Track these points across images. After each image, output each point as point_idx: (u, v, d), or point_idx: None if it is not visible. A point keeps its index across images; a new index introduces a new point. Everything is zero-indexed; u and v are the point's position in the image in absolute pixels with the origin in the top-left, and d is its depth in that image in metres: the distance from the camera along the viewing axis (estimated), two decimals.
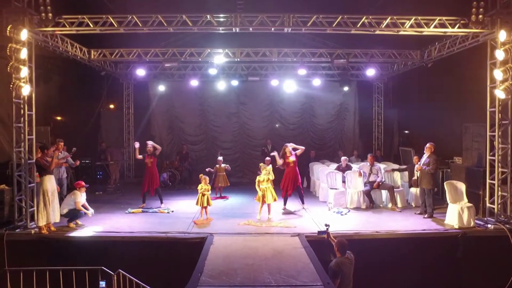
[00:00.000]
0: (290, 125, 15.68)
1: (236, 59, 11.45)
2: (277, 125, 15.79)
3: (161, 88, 14.10)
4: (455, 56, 10.33)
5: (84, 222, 8.60)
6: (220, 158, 11.79)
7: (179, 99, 15.22)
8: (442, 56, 10.70)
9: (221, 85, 13.74)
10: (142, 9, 8.42)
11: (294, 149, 9.65)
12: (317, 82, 13.76)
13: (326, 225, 6.07)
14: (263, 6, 12.37)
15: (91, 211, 8.63)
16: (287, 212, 9.56)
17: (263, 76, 13.86)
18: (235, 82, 13.82)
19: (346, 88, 14.55)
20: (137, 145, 10.18)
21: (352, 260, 5.60)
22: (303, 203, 9.98)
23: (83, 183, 8.66)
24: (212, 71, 12.49)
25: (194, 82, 13.57)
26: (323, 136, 15.74)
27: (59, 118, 15.32)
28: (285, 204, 9.83)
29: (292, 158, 9.59)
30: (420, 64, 11.97)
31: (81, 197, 8.46)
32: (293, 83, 13.53)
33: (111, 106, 16.80)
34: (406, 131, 16.57)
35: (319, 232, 6.21)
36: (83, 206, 8.48)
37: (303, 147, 9.83)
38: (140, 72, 11.89)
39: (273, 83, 13.75)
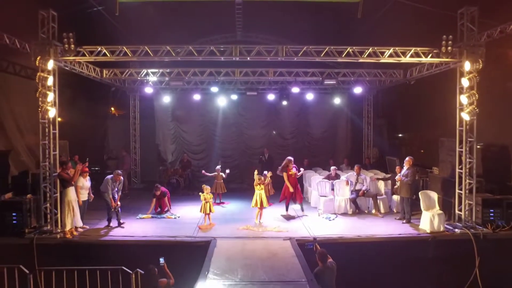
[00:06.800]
0: (286, 134, 16.81)
1: (235, 78, 12.58)
2: (274, 132, 16.92)
3: (166, 100, 15.19)
4: (435, 74, 11.42)
5: (100, 225, 9.79)
6: (218, 167, 12.87)
7: (182, 111, 16.32)
8: (423, 75, 11.84)
9: (221, 99, 14.87)
10: (152, 40, 9.52)
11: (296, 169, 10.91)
12: (310, 96, 14.92)
13: (314, 238, 7.14)
14: (260, 25, 13.70)
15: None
16: (287, 217, 10.72)
17: (260, 90, 14.99)
18: (234, 97, 14.94)
19: (338, 101, 15.69)
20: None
21: (334, 269, 6.44)
22: (287, 210, 11.06)
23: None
24: (214, 89, 13.62)
25: (196, 96, 14.67)
26: (317, 145, 16.83)
27: (68, 127, 16.40)
28: (287, 210, 11.01)
29: (294, 170, 10.80)
30: (403, 81, 13.11)
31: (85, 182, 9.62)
32: (288, 97, 14.63)
33: (118, 115, 17.89)
34: (400, 135, 17.73)
35: (307, 245, 7.21)
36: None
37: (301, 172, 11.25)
38: (148, 90, 13.02)
39: (269, 97, 14.88)
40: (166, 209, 11.35)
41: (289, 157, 10.98)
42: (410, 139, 17.21)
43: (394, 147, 17.41)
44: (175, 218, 10.81)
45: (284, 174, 10.67)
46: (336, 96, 15.51)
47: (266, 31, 14.65)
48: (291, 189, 10.60)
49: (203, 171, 12.94)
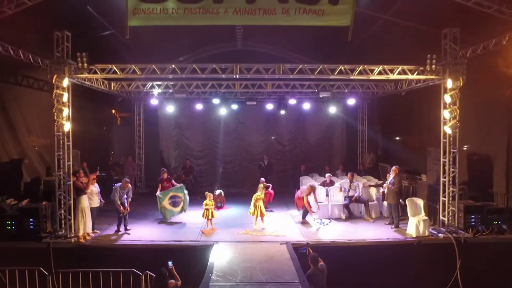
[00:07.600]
0: (284, 141, 17.58)
1: (236, 90, 13.34)
2: (272, 137, 17.68)
3: (170, 109, 15.93)
4: (424, 87, 12.11)
5: (110, 231, 10.51)
6: (218, 191, 13.62)
7: (184, 118, 17.12)
8: (412, 88, 12.54)
9: (222, 107, 15.62)
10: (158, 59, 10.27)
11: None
12: (307, 105, 15.65)
13: (307, 243, 7.90)
14: (260, 35, 14.40)
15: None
16: (305, 222, 11.46)
17: (260, 99, 15.73)
18: (235, 106, 15.72)
19: (333, 109, 16.42)
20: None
21: (324, 271, 7.10)
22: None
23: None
24: (215, 101, 14.42)
25: (198, 106, 15.42)
26: (314, 151, 17.59)
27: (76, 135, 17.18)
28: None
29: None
30: (395, 93, 13.84)
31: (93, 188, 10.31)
32: (286, 106, 15.35)
33: (123, 120, 18.64)
34: (394, 141, 18.39)
35: (301, 249, 7.98)
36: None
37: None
38: (153, 101, 13.80)
39: (268, 106, 15.63)
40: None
41: (312, 184, 11.65)
42: (404, 146, 17.86)
43: (388, 154, 18.10)
44: (183, 211, 11.65)
45: (305, 197, 11.31)
46: (332, 104, 16.23)
47: (266, 41, 15.37)
48: (310, 212, 11.35)
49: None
